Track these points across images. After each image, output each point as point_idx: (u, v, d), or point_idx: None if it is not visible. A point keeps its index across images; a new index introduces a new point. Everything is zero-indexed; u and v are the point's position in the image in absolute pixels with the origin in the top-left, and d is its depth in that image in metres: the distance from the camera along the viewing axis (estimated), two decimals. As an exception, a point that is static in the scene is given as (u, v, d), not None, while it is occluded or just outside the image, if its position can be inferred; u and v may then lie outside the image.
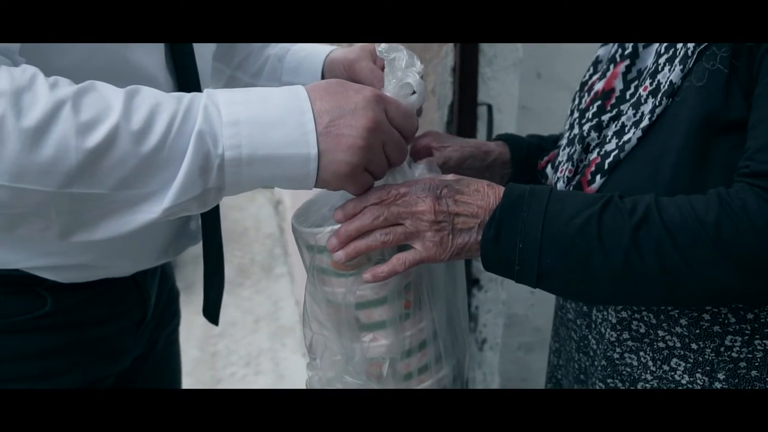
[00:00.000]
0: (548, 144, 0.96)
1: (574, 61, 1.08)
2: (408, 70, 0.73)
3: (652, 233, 0.62)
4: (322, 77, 0.98)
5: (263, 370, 2.73)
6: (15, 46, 0.62)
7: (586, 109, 0.81)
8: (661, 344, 0.73)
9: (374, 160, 0.67)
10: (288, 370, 2.67)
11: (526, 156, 0.94)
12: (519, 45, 1.54)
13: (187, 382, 2.64)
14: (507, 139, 0.96)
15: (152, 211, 0.61)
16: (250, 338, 3.01)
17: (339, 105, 0.65)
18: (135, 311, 0.93)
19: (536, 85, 1.65)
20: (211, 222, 0.93)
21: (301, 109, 0.64)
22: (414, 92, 0.73)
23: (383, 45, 0.74)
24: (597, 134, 0.77)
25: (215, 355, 2.87)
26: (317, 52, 1.00)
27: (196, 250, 0.99)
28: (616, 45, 0.83)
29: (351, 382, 0.74)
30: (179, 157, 0.60)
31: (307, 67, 1.00)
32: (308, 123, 0.63)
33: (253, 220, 4.61)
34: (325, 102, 0.65)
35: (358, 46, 0.96)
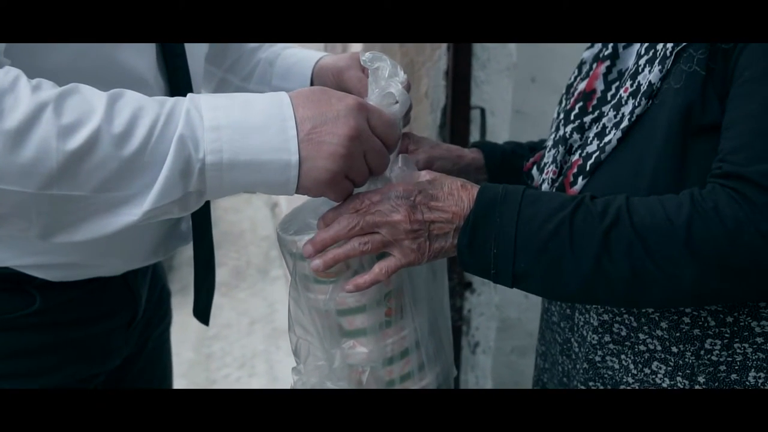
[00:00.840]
0: (524, 150, 0.97)
1: (568, 65, 1.08)
2: (391, 80, 0.73)
3: (623, 236, 0.62)
4: (312, 83, 0.99)
5: (258, 373, 2.73)
6: (0, 47, 0.62)
7: (569, 111, 0.81)
8: (642, 347, 0.73)
9: (355, 168, 0.67)
10: (282, 372, 2.67)
11: (501, 162, 0.95)
12: (513, 49, 1.55)
13: (182, 383, 2.65)
14: (481, 145, 0.97)
15: (132, 213, 0.61)
16: (245, 340, 3.01)
17: (321, 112, 0.65)
18: (125, 310, 0.93)
19: (530, 89, 1.66)
20: (201, 223, 0.93)
21: (283, 115, 0.64)
22: (396, 102, 0.73)
23: (367, 54, 0.75)
24: (579, 136, 0.78)
25: (210, 357, 2.87)
26: (307, 57, 1.01)
27: (192, 251, 0.99)
28: (598, 46, 0.83)
29: (333, 387, 0.74)
30: (160, 160, 0.60)
31: (296, 73, 1.00)
32: (290, 129, 0.64)
33: (250, 223, 4.61)
34: (308, 109, 0.65)
35: (347, 54, 0.96)
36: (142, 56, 0.78)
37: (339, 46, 1.76)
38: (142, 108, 0.61)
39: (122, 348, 0.95)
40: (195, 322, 1.06)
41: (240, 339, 3.02)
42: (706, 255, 0.61)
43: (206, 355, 2.88)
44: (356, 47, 1.53)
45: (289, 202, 3.29)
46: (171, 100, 0.63)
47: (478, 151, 0.95)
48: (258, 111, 0.64)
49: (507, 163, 0.95)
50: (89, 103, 0.59)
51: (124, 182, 0.60)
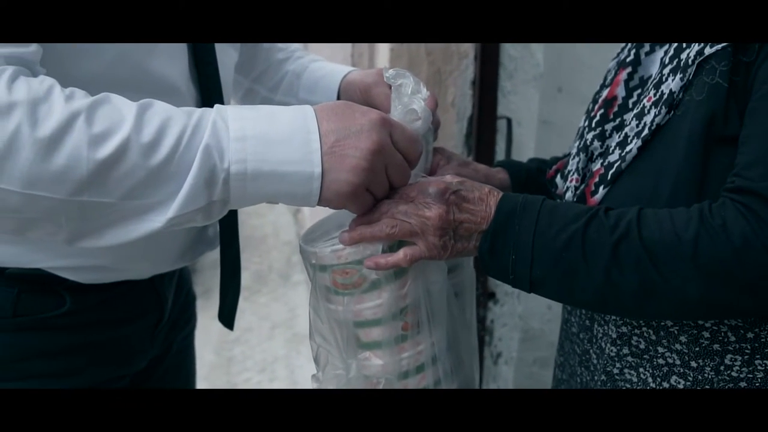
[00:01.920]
0: (548, 166, 0.98)
1: (595, 75, 1.08)
2: (414, 97, 0.75)
3: (632, 249, 0.64)
4: (338, 97, 1.00)
5: (278, 377, 2.74)
6: (36, 57, 0.63)
7: (592, 119, 0.82)
8: (661, 361, 0.73)
9: (376, 182, 0.68)
10: (303, 377, 2.68)
11: (526, 180, 0.96)
12: (540, 59, 1.55)
13: (202, 386, 2.66)
14: (507, 165, 0.98)
15: (157, 220, 0.63)
16: (266, 345, 3.02)
17: (345, 126, 0.66)
18: (152, 313, 0.95)
19: (557, 99, 1.65)
20: (229, 228, 0.94)
21: (307, 128, 0.65)
22: (419, 118, 0.74)
23: (390, 71, 0.76)
24: (600, 143, 0.78)
25: (231, 361, 2.88)
26: (334, 71, 1.02)
27: (215, 255, 1.00)
28: (623, 53, 0.83)
29: None
30: (186, 169, 0.62)
31: (323, 86, 1.01)
32: (314, 142, 0.65)
33: (272, 228, 4.64)
34: (332, 122, 0.66)
35: (374, 70, 0.97)
36: (174, 64, 0.80)
37: (365, 45, 1.77)
38: (170, 118, 0.62)
39: (148, 350, 0.96)
40: (217, 325, 1.07)
41: (261, 343, 3.04)
42: (713, 271, 0.61)
43: (227, 359, 2.90)
44: (383, 47, 1.54)
45: (311, 209, 3.30)
46: (198, 111, 0.64)
47: (505, 172, 0.96)
48: (283, 123, 0.65)
49: (532, 182, 0.96)
50: (119, 113, 0.61)
51: (151, 190, 0.62)
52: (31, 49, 0.62)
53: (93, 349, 0.86)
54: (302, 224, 4.13)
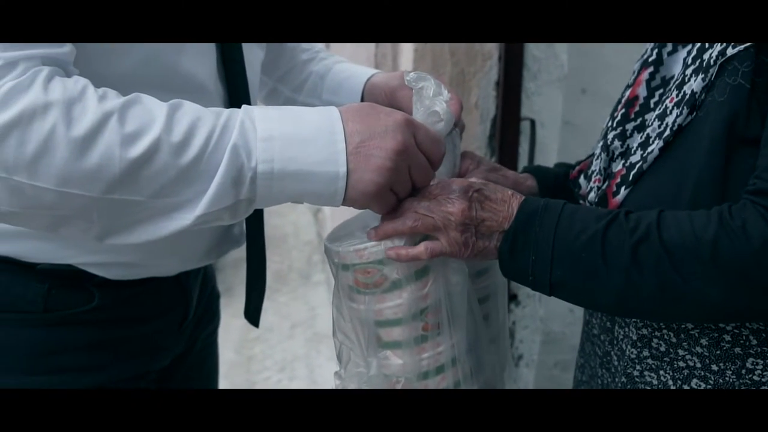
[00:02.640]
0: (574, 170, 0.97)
1: (619, 76, 1.07)
2: (435, 99, 0.75)
3: (651, 251, 0.64)
4: (362, 99, 1.01)
5: (298, 376, 2.75)
6: (70, 57, 0.65)
7: (614, 118, 0.82)
8: (682, 363, 0.73)
9: (400, 182, 0.69)
10: (322, 377, 2.69)
11: (554, 186, 0.96)
12: (564, 60, 1.54)
13: (222, 384, 2.66)
14: (534, 170, 0.98)
15: (185, 218, 0.64)
16: (286, 344, 3.03)
17: (370, 127, 0.67)
18: (177, 310, 0.96)
19: (580, 100, 1.64)
20: (255, 226, 0.95)
21: (333, 128, 0.66)
22: (441, 120, 0.75)
23: (411, 74, 0.77)
24: (620, 143, 0.78)
25: (251, 359, 2.90)
26: (358, 74, 1.03)
27: (237, 253, 1.01)
28: (646, 53, 0.83)
29: None
30: (214, 169, 0.63)
31: (347, 88, 1.02)
32: (339, 142, 0.66)
33: (293, 227, 4.66)
34: (357, 123, 0.67)
35: (398, 72, 0.98)
36: (203, 63, 0.81)
37: (389, 46, 1.77)
38: (200, 118, 0.63)
39: (173, 347, 0.97)
40: (237, 324, 1.09)
41: (281, 342, 3.05)
42: (732, 272, 0.61)
43: (247, 357, 2.91)
44: (407, 48, 1.54)
45: (332, 209, 3.32)
46: (226, 112, 0.65)
47: (533, 178, 0.96)
48: (309, 123, 0.66)
49: (560, 188, 0.95)
50: (150, 113, 0.62)
51: (180, 188, 0.63)
52: (65, 49, 0.64)
53: (120, 345, 0.88)
54: (323, 224, 4.14)
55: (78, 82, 0.61)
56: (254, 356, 2.93)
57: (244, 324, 1.08)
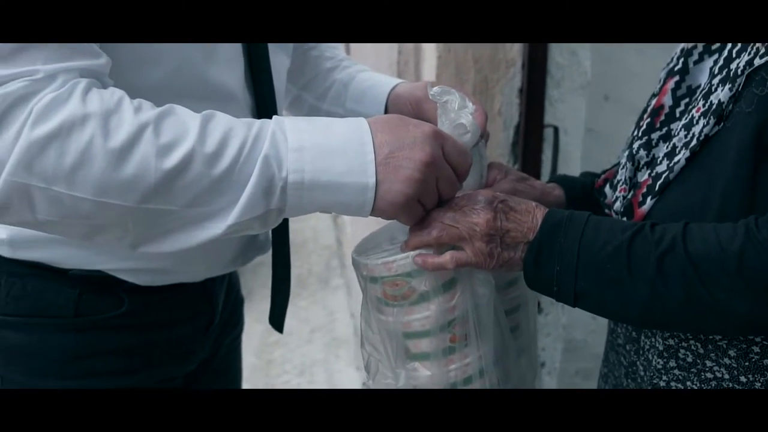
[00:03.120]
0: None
1: (642, 84, 1.07)
2: (461, 111, 0.75)
3: (677, 263, 0.63)
4: (386, 109, 1.01)
5: (317, 381, 2.76)
6: (106, 69, 0.66)
7: (639, 128, 0.82)
8: (709, 375, 0.72)
9: (427, 193, 0.70)
10: (341, 382, 2.69)
11: (582, 196, 0.95)
12: (588, 68, 1.53)
13: (243, 387, 2.69)
14: (561, 181, 0.98)
15: (217, 227, 0.65)
16: (305, 348, 3.04)
17: (399, 138, 0.68)
18: (203, 316, 0.97)
19: (604, 108, 1.63)
20: (280, 233, 0.96)
21: (362, 140, 0.67)
22: (468, 132, 0.75)
23: (435, 88, 0.78)
24: (646, 152, 0.78)
25: (270, 363, 2.91)
26: (382, 83, 1.03)
27: (257, 258, 1.02)
28: (671, 63, 0.82)
29: None
30: (246, 179, 0.64)
31: (370, 97, 1.03)
32: (368, 153, 0.66)
33: (312, 232, 4.67)
34: (386, 134, 0.68)
35: (422, 83, 0.98)
36: (231, 72, 0.82)
37: (411, 53, 1.78)
38: (232, 129, 0.64)
39: (199, 352, 0.98)
40: (258, 328, 1.10)
41: (300, 347, 3.06)
42: (759, 285, 0.60)
43: (267, 361, 2.93)
44: (429, 55, 1.54)
45: (351, 216, 3.31)
46: (258, 122, 0.66)
47: (560, 188, 0.96)
48: (338, 134, 0.67)
49: (587, 198, 0.95)
50: (184, 124, 0.63)
51: (212, 198, 0.64)
52: (102, 61, 0.65)
53: (149, 350, 0.89)
54: (342, 229, 4.15)
55: (114, 93, 0.62)
56: (274, 360, 2.94)
57: (264, 328, 1.09)
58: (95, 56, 0.64)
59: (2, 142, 0.58)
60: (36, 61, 0.59)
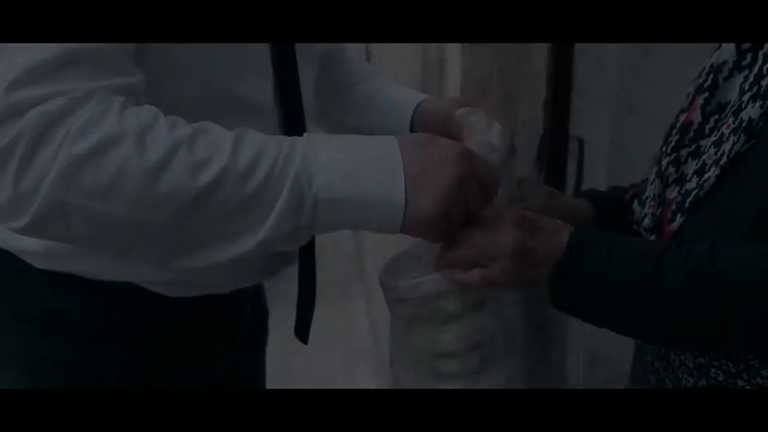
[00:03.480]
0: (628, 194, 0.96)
1: (668, 96, 1.06)
2: (489, 131, 0.75)
3: (706, 282, 0.63)
4: (411, 124, 1.01)
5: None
6: (141, 86, 0.67)
7: (668, 144, 0.81)
8: None
9: (455, 212, 0.70)
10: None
11: (610, 210, 0.95)
12: (614, 80, 1.53)
13: (264, 396, 2.68)
14: (589, 196, 0.97)
15: (247, 243, 0.66)
16: (325, 357, 3.04)
17: (428, 156, 0.68)
18: (230, 326, 0.98)
19: (628, 120, 1.62)
20: (307, 245, 0.96)
21: (392, 157, 0.67)
22: (496, 151, 0.76)
23: (462, 110, 0.78)
24: (674, 169, 0.77)
25: (290, 372, 2.91)
26: (408, 98, 1.03)
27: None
28: (699, 79, 0.82)
29: None
30: (277, 195, 0.64)
31: (397, 112, 1.03)
32: (398, 171, 0.67)
33: (331, 240, 4.67)
34: (415, 152, 0.68)
35: (449, 99, 0.99)
36: (260, 85, 0.83)
37: (435, 64, 1.78)
38: (265, 146, 0.65)
39: (225, 363, 0.99)
40: (277, 337, 1.10)
41: (320, 355, 3.05)
42: None
43: (287, 370, 2.93)
44: (453, 66, 1.55)
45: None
46: (288, 140, 0.67)
47: (589, 204, 0.95)
48: (368, 152, 0.68)
49: (616, 213, 0.94)
50: (218, 142, 0.64)
51: (243, 215, 0.64)
52: (137, 79, 0.66)
53: (177, 360, 0.90)
54: (360, 237, 4.15)
55: (150, 111, 0.64)
56: (293, 369, 2.94)
57: (284, 336, 1.10)
58: (131, 74, 0.66)
59: (42, 159, 0.59)
60: (74, 80, 0.61)
